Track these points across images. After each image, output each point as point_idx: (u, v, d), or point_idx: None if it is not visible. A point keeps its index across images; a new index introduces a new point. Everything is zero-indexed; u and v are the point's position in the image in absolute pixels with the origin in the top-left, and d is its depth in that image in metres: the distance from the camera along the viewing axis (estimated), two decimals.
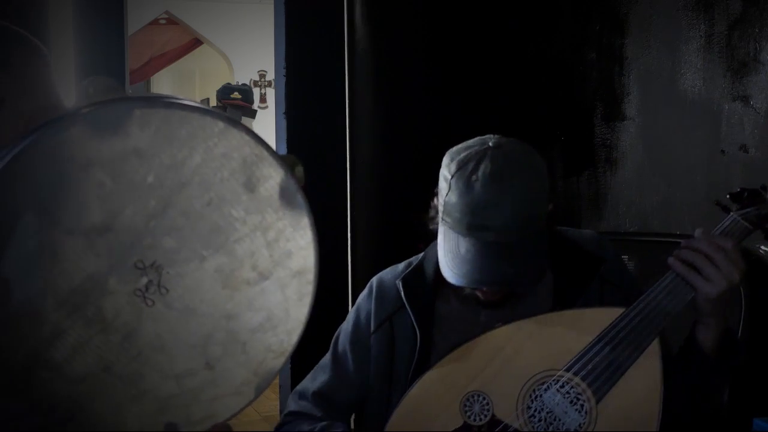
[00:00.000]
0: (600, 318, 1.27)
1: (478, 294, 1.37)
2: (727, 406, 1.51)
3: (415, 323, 1.40)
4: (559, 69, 2.60)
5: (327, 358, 1.52)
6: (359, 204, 2.86)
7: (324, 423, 1.42)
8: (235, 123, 0.85)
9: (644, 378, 1.24)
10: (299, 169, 0.90)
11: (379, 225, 2.81)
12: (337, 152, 2.83)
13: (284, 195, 0.87)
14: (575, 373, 1.25)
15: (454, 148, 1.36)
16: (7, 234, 0.80)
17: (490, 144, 1.32)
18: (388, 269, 1.52)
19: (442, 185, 1.34)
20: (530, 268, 1.30)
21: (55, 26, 2.48)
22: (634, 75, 2.35)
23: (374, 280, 1.51)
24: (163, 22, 7.93)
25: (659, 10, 2.26)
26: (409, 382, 1.36)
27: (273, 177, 0.87)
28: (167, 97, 0.87)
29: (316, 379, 1.51)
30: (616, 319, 1.26)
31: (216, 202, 0.86)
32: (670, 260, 1.27)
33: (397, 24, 2.87)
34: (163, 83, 9.93)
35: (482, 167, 1.28)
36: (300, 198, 0.88)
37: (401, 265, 1.51)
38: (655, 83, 2.28)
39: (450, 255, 1.30)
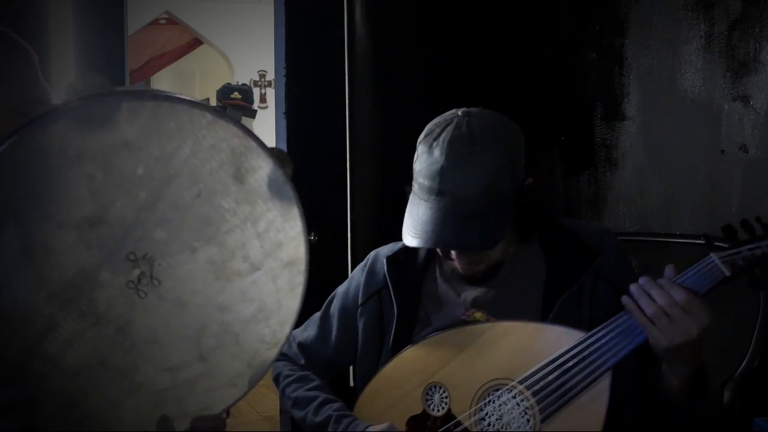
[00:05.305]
0: (561, 338, 1.27)
1: (458, 267, 1.39)
2: (727, 407, 1.51)
3: (393, 299, 1.45)
4: (559, 69, 2.60)
5: (318, 314, 1.59)
6: (359, 204, 2.86)
7: (324, 396, 1.47)
8: (223, 114, 0.85)
9: (587, 415, 1.23)
10: (289, 165, 0.90)
11: (379, 225, 2.81)
12: (337, 152, 2.83)
13: (273, 185, 0.88)
14: (527, 387, 1.26)
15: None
16: None
17: (459, 113, 1.35)
18: (389, 245, 1.56)
19: (415, 154, 1.37)
20: (483, 234, 1.29)
21: (55, 26, 2.48)
22: (634, 75, 2.35)
23: (372, 253, 1.57)
24: (163, 22, 7.93)
25: (659, 10, 2.26)
26: (390, 356, 1.41)
27: (262, 168, 0.87)
28: (155, 90, 0.87)
29: (305, 330, 1.59)
30: (573, 344, 1.25)
31: (206, 193, 0.86)
32: (624, 300, 1.21)
33: (397, 24, 2.87)
34: (163, 83, 9.93)
35: (444, 134, 1.31)
36: (289, 188, 0.88)
37: (401, 242, 1.53)
38: (655, 83, 2.28)
39: (410, 219, 1.33)
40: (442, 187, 1.29)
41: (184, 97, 0.85)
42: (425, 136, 1.34)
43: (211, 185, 0.86)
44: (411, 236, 1.31)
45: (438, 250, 1.40)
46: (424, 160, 1.32)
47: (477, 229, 1.28)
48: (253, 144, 0.86)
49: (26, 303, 0.82)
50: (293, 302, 0.92)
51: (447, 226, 1.28)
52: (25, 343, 0.83)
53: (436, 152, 1.30)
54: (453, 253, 1.36)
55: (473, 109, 1.36)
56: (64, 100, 0.81)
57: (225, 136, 0.85)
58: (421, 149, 1.34)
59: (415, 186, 1.35)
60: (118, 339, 0.86)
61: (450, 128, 1.31)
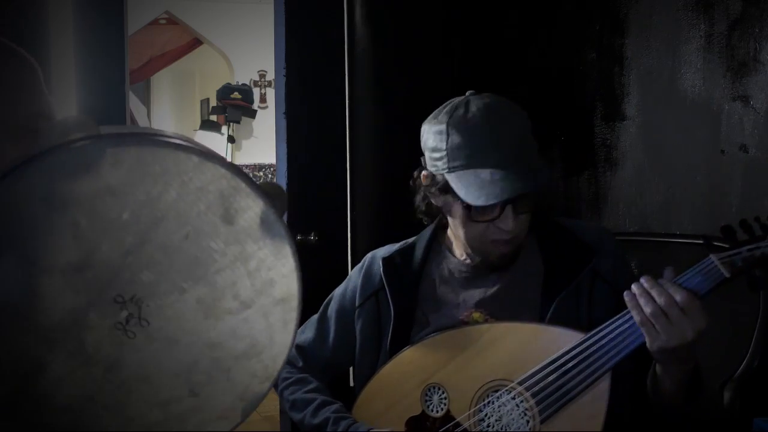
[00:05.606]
0: (560, 339, 1.27)
1: (499, 245, 1.37)
2: (727, 407, 1.51)
3: (390, 300, 1.45)
4: (559, 69, 2.60)
5: (316, 316, 1.60)
6: (359, 204, 2.86)
7: (322, 398, 1.48)
8: (210, 156, 0.85)
9: (587, 416, 1.23)
10: (283, 199, 0.90)
11: (379, 225, 2.81)
12: (337, 152, 2.83)
13: (264, 225, 0.87)
14: (526, 389, 1.26)
15: (428, 117, 1.42)
16: None
17: (467, 94, 1.40)
18: (385, 246, 1.57)
19: (437, 139, 1.36)
20: (547, 175, 1.38)
21: (55, 26, 2.48)
22: (634, 75, 2.35)
23: (369, 255, 1.57)
24: (163, 22, 7.93)
25: (659, 10, 2.26)
26: (388, 357, 1.41)
27: (252, 208, 0.86)
28: (140, 131, 0.87)
29: (303, 332, 1.59)
30: (572, 345, 1.26)
31: (194, 235, 0.85)
32: (626, 296, 1.21)
33: (397, 24, 2.87)
34: (163, 83, 9.94)
35: (472, 108, 1.35)
36: (280, 226, 0.88)
37: (398, 244, 1.56)
38: (655, 83, 2.28)
39: (473, 186, 1.31)
40: (497, 146, 1.31)
41: (170, 139, 0.85)
42: (450, 116, 1.35)
43: (199, 227, 0.85)
44: (492, 195, 1.29)
45: (464, 239, 1.40)
46: (463, 133, 1.33)
47: (544, 174, 1.35)
48: (242, 184, 0.85)
49: (13, 345, 0.83)
50: (286, 337, 0.92)
51: (522, 175, 1.30)
52: (14, 383, 0.84)
53: (476, 120, 1.33)
54: (508, 222, 1.33)
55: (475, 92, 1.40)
56: (47, 145, 0.81)
57: (212, 177, 0.84)
58: (453, 128, 1.34)
59: (458, 163, 1.33)
60: (107, 377, 0.87)
61: (473, 102, 1.36)
